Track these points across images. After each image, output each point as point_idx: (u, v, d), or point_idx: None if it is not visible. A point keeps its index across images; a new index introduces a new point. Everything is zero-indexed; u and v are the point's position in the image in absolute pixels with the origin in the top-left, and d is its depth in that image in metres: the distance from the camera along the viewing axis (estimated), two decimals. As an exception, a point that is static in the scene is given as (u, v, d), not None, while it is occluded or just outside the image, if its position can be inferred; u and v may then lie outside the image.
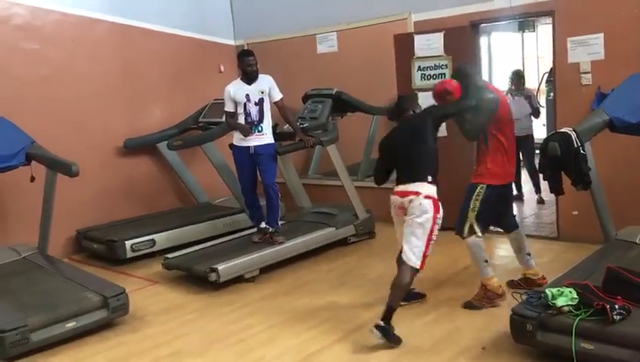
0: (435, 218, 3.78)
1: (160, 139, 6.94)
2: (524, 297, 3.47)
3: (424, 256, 3.78)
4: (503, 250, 5.47)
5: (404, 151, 3.98)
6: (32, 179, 5.03)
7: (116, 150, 6.85)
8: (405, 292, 3.91)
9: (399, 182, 4.00)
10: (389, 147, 4.17)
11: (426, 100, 5.96)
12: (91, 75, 6.59)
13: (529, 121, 7.19)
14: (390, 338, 3.69)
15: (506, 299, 4.15)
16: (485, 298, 4.20)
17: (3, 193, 5.88)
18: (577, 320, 3.11)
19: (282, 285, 5.07)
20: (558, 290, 3.28)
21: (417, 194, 3.80)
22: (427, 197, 3.79)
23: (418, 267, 3.79)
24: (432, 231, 3.78)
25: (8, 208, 5.97)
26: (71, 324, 4.09)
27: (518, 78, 7.44)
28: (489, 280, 4.21)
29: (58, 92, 6.31)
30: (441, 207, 3.83)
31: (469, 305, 4.24)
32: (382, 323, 3.68)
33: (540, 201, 7.19)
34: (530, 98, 7.35)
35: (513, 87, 7.39)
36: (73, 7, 6.46)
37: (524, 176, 7.46)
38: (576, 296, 3.23)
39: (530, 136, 7.19)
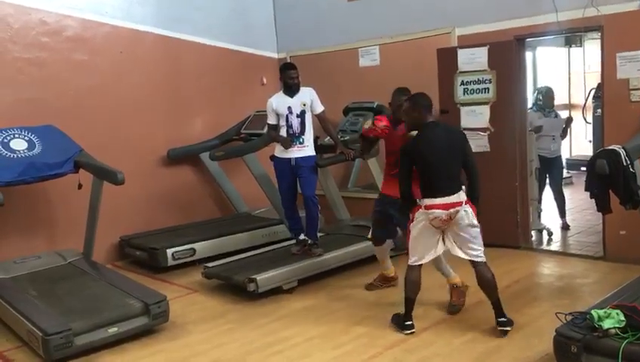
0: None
1: (203, 150, 7.05)
2: (569, 318, 3.38)
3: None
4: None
5: (443, 160, 3.94)
6: (80, 186, 5.18)
7: (160, 159, 6.99)
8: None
9: (435, 193, 3.94)
10: (422, 152, 4.00)
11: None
12: (138, 86, 6.76)
13: (557, 142, 6.76)
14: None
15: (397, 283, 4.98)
16: (384, 281, 5.14)
17: (51, 199, 6.06)
18: (624, 343, 3.02)
19: (320, 297, 5.06)
20: (605, 312, 3.19)
21: (460, 204, 3.92)
22: (467, 203, 3.96)
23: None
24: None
25: (56, 214, 6.14)
26: (113, 330, 4.17)
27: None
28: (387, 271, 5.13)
29: (106, 102, 6.49)
30: None
31: (369, 287, 5.13)
32: (503, 318, 4.03)
33: (565, 227, 6.76)
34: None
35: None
36: (122, 21, 6.64)
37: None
38: (623, 319, 3.14)
39: (558, 158, 6.77)
